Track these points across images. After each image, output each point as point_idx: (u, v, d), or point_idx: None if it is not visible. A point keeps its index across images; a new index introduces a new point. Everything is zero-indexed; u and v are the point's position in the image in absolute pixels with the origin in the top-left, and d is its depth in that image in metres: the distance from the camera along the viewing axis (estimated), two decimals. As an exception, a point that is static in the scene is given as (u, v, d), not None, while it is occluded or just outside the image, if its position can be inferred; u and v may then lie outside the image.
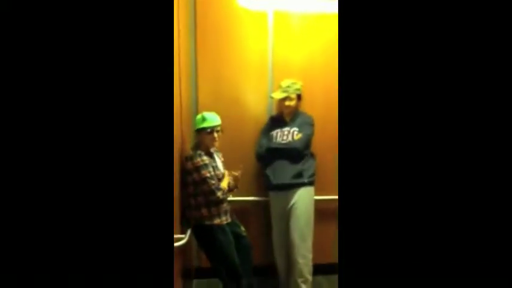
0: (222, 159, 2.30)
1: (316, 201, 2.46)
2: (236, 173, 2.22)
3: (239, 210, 2.63)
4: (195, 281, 2.69)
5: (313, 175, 2.42)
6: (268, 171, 2.42)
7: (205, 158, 2.02)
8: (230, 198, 2.43)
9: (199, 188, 2.02)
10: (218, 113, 2.20)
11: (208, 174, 2.00)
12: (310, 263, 2.37)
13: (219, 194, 2.01)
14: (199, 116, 2.13)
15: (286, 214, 2.39)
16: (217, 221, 2.08)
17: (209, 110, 2.16)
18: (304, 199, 2.35)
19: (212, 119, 2.10)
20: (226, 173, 2.23)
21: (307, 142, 2.39)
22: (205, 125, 2.07)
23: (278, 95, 2.43)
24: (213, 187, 2.00)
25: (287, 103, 2.42)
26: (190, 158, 2.01)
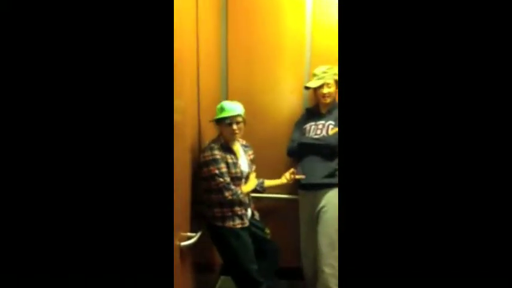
0: (252, 156, 2.10)
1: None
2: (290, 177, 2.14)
3: (270, 207, 2.47)
4: (222, 278, 2.60)
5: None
6: (298, 169, 2.21)
7: (216, 152, 1.82)
8: (260, 195, 2.29)
9: (210, 185, 1.84)
10: (250, 103, 2.02)
11: (216, 171, 1.79)
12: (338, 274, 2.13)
13: (227, 194, 1.80)
14: (218, 106, 1.93)
15: (315, 217, 2.17)
16: (229, 223, 1.87)
17: (240, 100, 1.98)
18: (335, 202, 2.08)
19: (231, 108, 1.88)
20: (253, 175, 2.04)
21: None
22: (222, 115, 1.87)
23: (314, 83, 2.17)
24: (220, 185, 1.79)
25: (325, 90, 2.16)
26: (203, 151, 1.85)
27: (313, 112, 2.30)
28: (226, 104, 1.90)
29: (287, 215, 2.52)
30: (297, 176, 2.15)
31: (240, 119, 1.90)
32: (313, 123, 2.23)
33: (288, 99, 2.49)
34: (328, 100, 2.20)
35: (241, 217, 1.91)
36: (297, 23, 2.38)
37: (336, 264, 2.10)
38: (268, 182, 2.15)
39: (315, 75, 2.20)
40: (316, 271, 2.20)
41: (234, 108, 1.89)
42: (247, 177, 2.00)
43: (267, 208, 2.27)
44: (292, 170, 2.16)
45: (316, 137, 2.17)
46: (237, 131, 1.89)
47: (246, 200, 1.95)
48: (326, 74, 2.16)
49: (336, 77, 2.19)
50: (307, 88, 2.25)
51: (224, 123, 1.88)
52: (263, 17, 2.40)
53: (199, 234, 1.70)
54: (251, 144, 2.16)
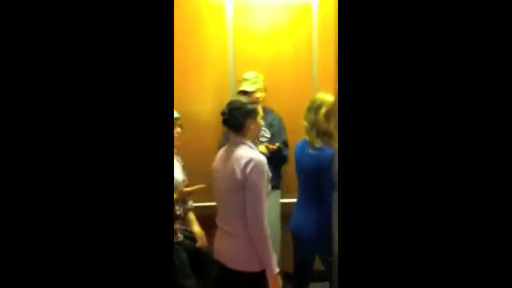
0: (183, 162, 2.05)
1: (284, 204, 2.27)
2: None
3: (201, 217, 2.42)
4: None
5: (279, 177, 2.23)
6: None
7: None
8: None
9: None
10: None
11: None
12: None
13: None
14: None
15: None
16: None
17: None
18: (270, 205, 2.13)
19: None
20: (185, 180, 1.97)
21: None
22: None
23: (249, 87, 2.20)
24: None
25: (259, 95, 2.22)
26: None
27: (241, 118, 2.33)
28: None
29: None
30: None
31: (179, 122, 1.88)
32: (241, 128, 2.25)
33: (213, 107, 2.48)
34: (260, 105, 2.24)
35: (175, 232, 1.84)
36: (218, 31, 2.42)
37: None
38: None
39: (246, 80, 2.23)
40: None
41: None
42: (186, 186, 1.93)
43: (198, 218, 2.22)
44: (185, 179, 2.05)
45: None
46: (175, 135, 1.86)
47: (178, 212, 1.88)
48: (258, 79, 2.23)
49: (264, 84, 2.26)
50: (243, 92, 2.22)
51: None
52: (184, 27, 2.38)
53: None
54: (179, 152, 2.10)
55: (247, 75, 2.25)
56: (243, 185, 1.46)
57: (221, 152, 1.66)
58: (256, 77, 2.24)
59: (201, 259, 1.97)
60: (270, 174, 1.50)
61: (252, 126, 1.58)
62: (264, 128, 2.22)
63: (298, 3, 2.43)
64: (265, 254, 1.45)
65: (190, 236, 1.99)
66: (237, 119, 1.56)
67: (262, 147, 2.16)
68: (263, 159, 1.49)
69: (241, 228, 1.49)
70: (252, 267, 1.50)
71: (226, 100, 2.40)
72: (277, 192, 2.23)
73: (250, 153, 1.50)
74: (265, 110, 2.27)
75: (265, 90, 2.28)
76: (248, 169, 1.45)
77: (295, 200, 2.06)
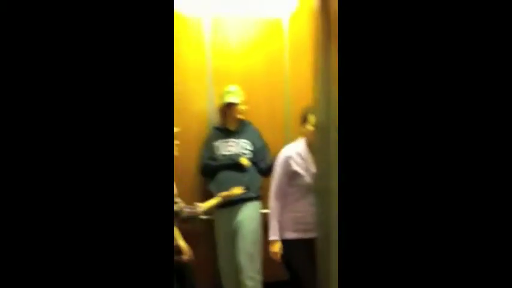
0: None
1: (262, 215, 2.31)
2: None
3: (182, 231, 2.41)
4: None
5: (259, 188, 2.28)
6: (213, 187, 2.24)
7: None
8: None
9: None
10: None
11: None
12: (259, 285, 2.19)
13: None
14: None
15: (232, 233, 2.21)
16: None
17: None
18: (251, 215, 2.19)
19: None
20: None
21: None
22: None
23: (235, 99, 2.26)
24: None
25: (243, 106, 2.29)
26: None
27: (221, 130, 2.36)
28: None
29: (198, 237, 2.49)
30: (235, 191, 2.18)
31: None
32: (223, 140, 2.30)
33: (192, 122, 2.49)
34: (241, 116, 2.31)
35: None
36: (197, 49, 2.46)
37: (256, 275, 2.17)
38: (205, 204, 2.11)
39: (228, 92, 2.28)
40: (238, 287, 2.23)
41: None
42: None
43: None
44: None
45: (228, 154, 2.24)
46: None
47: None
48: (240, 92, 2.30)
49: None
50: (230, 104, 2.28)
51: None
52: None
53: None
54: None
55: (231, 88, 2.31)
56: None
57: None
58: (239, 90, 2.31)
59: (181, 271, 1.98)
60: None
61: (302, 130, 2.01)
62: (245, 141, 2.28)
63: (269, 18, 2.52)
64: (269, 223, 1.95)
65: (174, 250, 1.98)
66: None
67: (244, 160, 2.21)
68: (287, 153, 1.96)
69: None
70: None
71: (205, 114, 2.49)
72: (258, 203, 2.28)
73: (288, 147, 2.01)
74: (245, 123, 2.34)
75: (245, 103, 2.34)
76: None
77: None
